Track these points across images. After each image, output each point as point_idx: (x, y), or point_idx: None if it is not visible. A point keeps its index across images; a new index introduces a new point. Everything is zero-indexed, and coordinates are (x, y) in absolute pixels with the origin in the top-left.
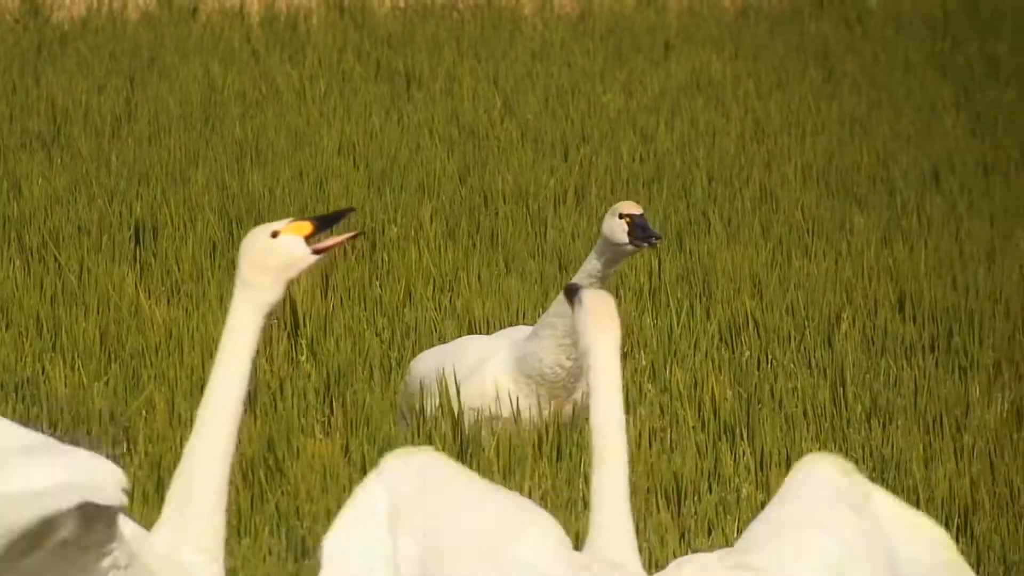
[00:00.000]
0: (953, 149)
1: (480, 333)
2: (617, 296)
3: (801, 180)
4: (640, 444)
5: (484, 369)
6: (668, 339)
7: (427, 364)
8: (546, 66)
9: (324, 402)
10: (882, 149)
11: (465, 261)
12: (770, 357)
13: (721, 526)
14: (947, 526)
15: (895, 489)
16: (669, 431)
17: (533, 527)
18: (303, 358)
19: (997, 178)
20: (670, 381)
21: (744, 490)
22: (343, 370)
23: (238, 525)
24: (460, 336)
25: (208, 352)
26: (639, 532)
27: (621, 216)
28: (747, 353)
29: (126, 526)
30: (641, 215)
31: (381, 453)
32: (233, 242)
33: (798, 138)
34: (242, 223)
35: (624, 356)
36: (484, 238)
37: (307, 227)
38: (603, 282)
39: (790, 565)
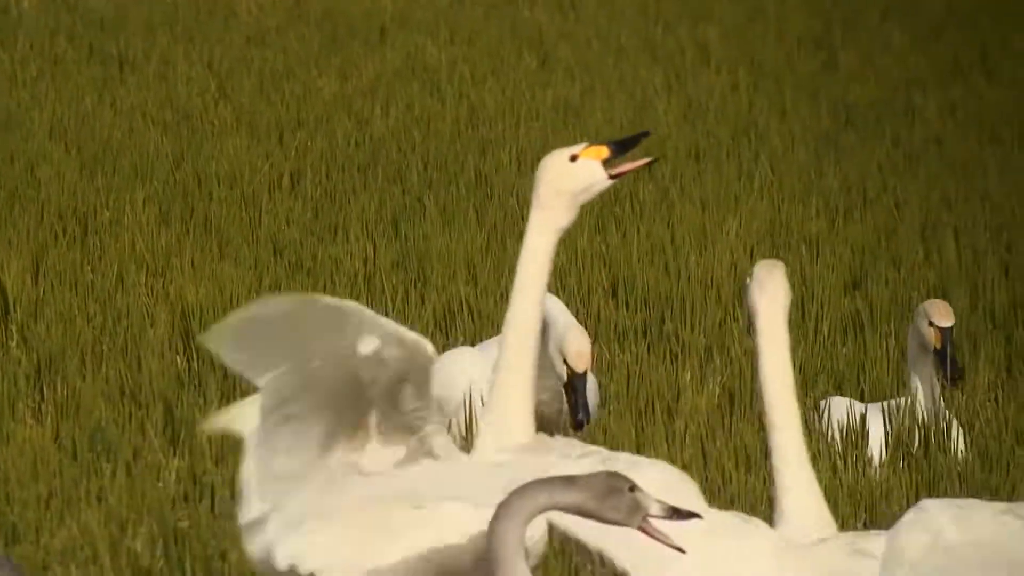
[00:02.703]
0: (665, 135)
1: (194, 319)
2: (332, 282)
3: (516, 166)
4: None
5: (478, 391)
6: None
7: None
8: (261, 50)
9: (34, 388)
10: (595, 135)
11: (178, 246)
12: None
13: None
14: None
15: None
16: None
17: None
18: (13, 343)
19: (708, 164)
20: None
21: None
22: (54, 356)
23: None
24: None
25: None
26: None
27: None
28: (461, 338)
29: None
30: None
31: (92, 439)
32: None
33: (512, 124)
34: None
35: None
36: (198, 223)
37: (604, 151)
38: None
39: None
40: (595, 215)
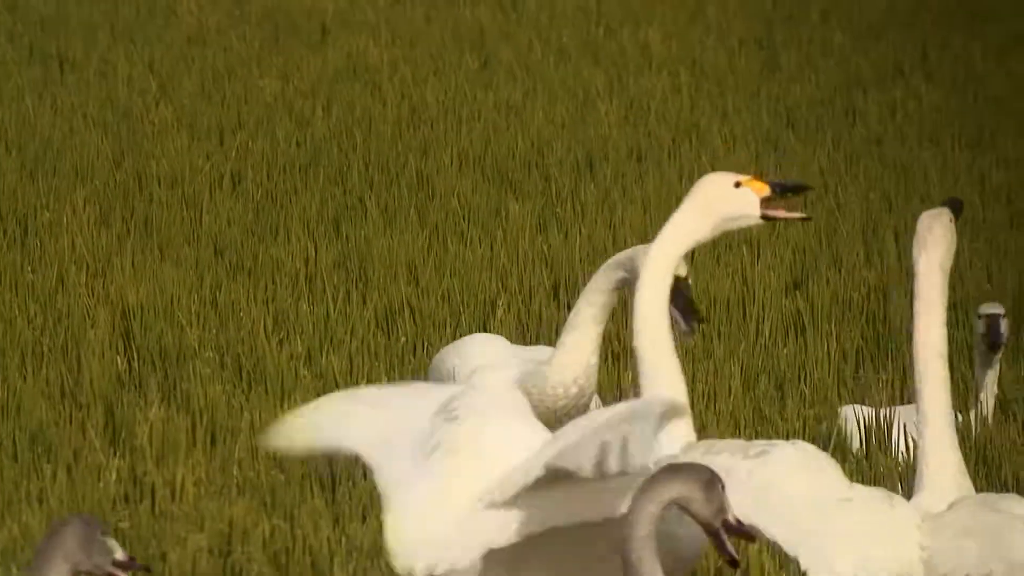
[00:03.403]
0: (607, 136)
1: (134, 319)
2: (273, 283)
3: (457, 166)
4: None
5: (483, 374)
6: (324, 325)
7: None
8: (202, 50)
9: None
10: (537, 136)
11: (119, 247)
12: (426, 343)
13: (376, 512)
14: None
15: None
16: None
17: None
18: None
19: (650, 165)
20: (326, 367)
21: None
22: None
23: None
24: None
25: None
26: (293, 518)
27: (980, 316)
28: (403, 339)
29: None
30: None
31: (33, 440)
32: None
33: (454, 124)
34: None
35: (280, 342)
36: (138, 223)
37: (765, 189)
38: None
39: None
40: (537, 215)
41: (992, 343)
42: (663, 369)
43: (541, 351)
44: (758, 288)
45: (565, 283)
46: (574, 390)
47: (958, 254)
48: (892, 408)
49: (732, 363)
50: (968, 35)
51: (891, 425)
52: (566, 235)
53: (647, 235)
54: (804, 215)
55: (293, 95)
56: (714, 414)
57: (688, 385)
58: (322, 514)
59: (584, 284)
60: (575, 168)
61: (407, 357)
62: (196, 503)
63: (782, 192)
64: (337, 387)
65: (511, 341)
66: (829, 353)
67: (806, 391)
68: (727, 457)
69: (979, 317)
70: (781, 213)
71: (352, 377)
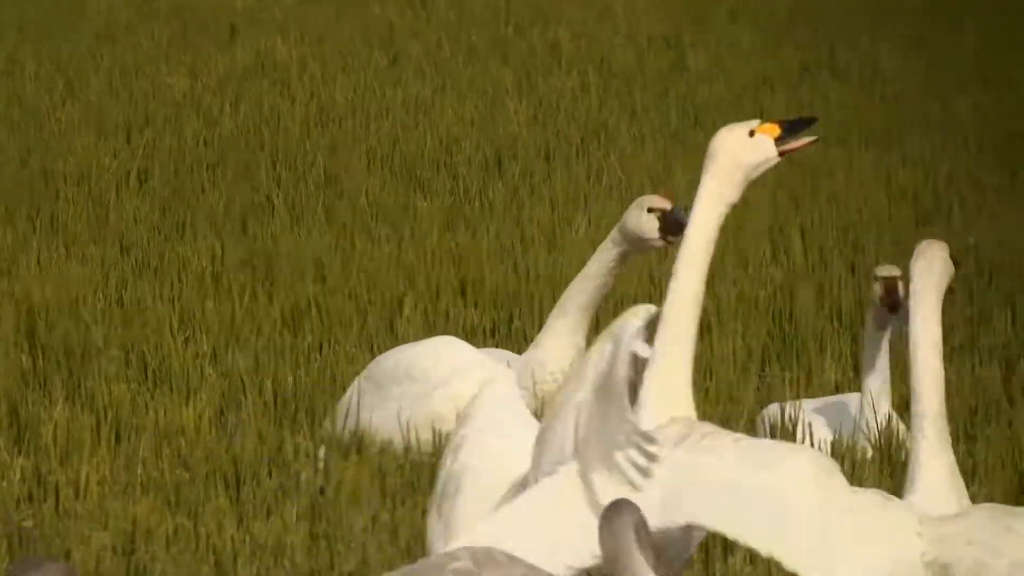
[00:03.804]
0: (515, 135)
1: (39, 317)
2: (179, 281)
3: (365, 164)
4: (200, 429)
5: (470, 374)
6: (230, 323)
7: (393, 362)
8: (110, 47)
9: None
10: (446, 134)
11: (24, 244)
12: (332, 342)
13: (280, 511)
14: None
15: None
16: (230, 416)
17: None
18: None
19: (558, 164)
20: (231, 366)
21: (304, 475)
22: None
23: None
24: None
25: None
26: (197, 516)
27: (650, 210)
28: (309, 338)
29: None
30: (672, 210)
31: None
32: None
33: (363, 122)
34: None
35: (186, 340)
36: (44, 221)
37: (776, 129)
38: (611, 277)
39: None
40: (445, 213)
41: (891, 304)
42: (678, 342)
43: (501, 353)
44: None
45: (472, 282)
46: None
47: (864, 253)
48: (797, 402)
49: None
50: (874, 34)
51: (802, 426)
52: (474, 233)
53: (554, 233)
54: (814, 138)
55: (201, 92)
56: None
57: None
58: (226, 513)
59: (489, 282)
60: (484, 166)
61: (313, 355)
62: (100, 502)
63: (792, 129)
64: (243, 386)
65: (418, 339)
66: (735, 352)
67: (710, 388)
68: (732, 464)
69: (875, 279)
70: (794, 144)
71: (258, 375)
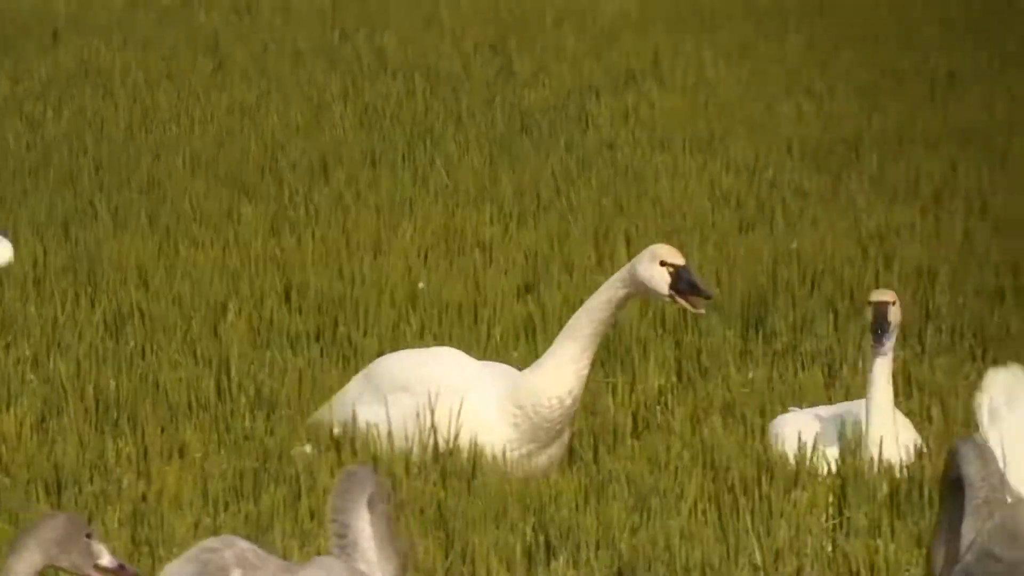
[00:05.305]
0: (341, 140)
1: None
2: (1, 285)
3: (190, 169)
4: (21, 435)
5: (470, 389)
6: (52, 329)
7: (395, 369)
8: None
9: None
10: (271, 139)
11: None
12: (155, 347)
13: (101, 516)
14: None
15: (277, 480)
16: (51, 422)
17: None
18: None
19: (384, 169)
20: (53, 371)
21: (125, 480)
22: None
23: None
24: None
25: None
26: (19, 521)
27: (663, 264)
28: (132, 343)
29: None
30: (685, 267)
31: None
32: None
33: (187, 127)
34: None
35: (7, 346)
36: None
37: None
38: (616, 313)
39: None
40: (270, 219)
41: (877, 328)
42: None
43: (501, 368)
44: (490, 292)
45: (297, 287)
46: (568, 401)
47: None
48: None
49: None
50: (698, 41)
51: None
52: (299, 238)
53: (379, 238)
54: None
55: (23, 96)
56: None
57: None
58: None
59: (314, 287)
60: (309, 171)
61: (136, 361)
62: None
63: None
64: (64, 391)
65: (242, 344)
66: None
67: None
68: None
69: (869, 304)
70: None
71: (80, 381)
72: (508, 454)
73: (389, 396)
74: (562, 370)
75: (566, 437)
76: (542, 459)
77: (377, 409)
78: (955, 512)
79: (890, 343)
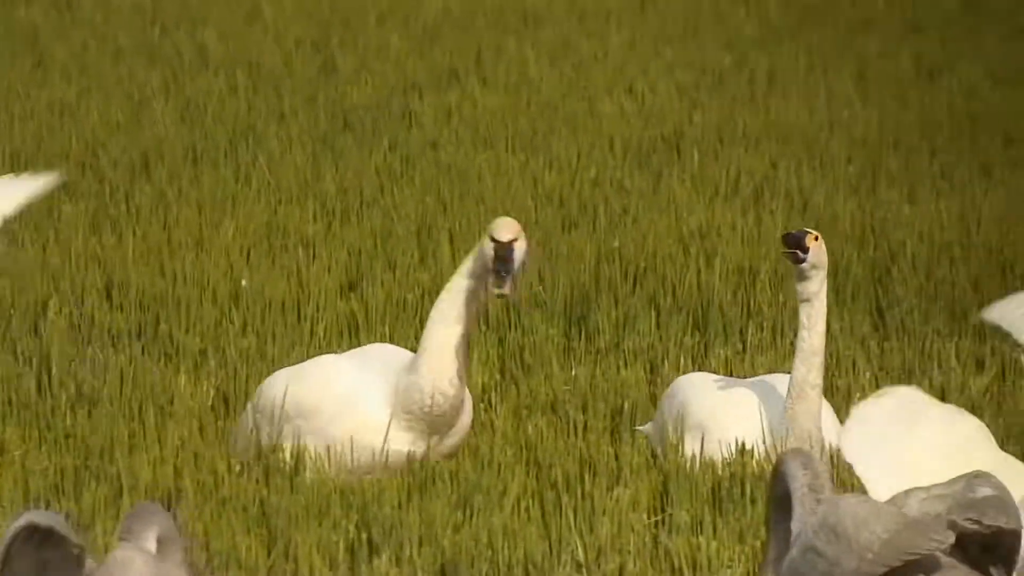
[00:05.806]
0: (162, 137)
1: None
2: None
3: (9, 167)
4: None
5: (359, 403)
6: None
7: (283, 387)
8: None
9: None
10: (91, 136)
11: None
12: None
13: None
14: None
15: (98, 478)
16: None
17: None
18: None
19: (205, 166)
20: None
21: None
22: None
23: None
24: None
25: None
26: None
27: (492, 239)
28: None
29: None
30: (506, 244)
31: None
32: None
33: (6, 124)
34: None
35: None
36: None
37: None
38: (476, 302)
39: None
40: (90, 216)
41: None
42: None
43: (383, 350)
44: (313, 289)
45: (118, 284)
46: (451, 391)
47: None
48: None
49: (290, 365)
50: (521, 39)
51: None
52: (120, 236)
53: (201, 236)
54: (503, 291)
55: None
56: None
57: (240, 384)
58: None
59: (136, 285)
60: (130, 168)
61: None
62: None
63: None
64: None
65: (63, 342)
66: None
67: None
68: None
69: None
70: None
71: None
72: (419, 450)
73: (286, 426)
74: (437, 361)
75: (468, 405)
76: (453, 439)
77: (284, 436)
78: (784, 519)
79: (801, 284)
